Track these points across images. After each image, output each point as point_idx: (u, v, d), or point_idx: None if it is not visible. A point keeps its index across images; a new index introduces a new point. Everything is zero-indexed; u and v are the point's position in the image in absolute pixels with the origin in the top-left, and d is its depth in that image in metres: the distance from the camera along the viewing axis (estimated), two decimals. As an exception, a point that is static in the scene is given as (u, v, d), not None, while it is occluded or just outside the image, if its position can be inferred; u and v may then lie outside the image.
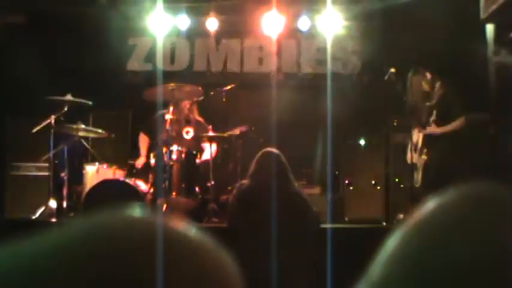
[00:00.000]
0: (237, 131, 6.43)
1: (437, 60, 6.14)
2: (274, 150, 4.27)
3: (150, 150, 6.33)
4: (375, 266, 0.58)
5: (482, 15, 6.10)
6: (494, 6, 5.85)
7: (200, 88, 6.19)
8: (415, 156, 5.83)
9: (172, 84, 5.85)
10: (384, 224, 6.50)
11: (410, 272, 0.55)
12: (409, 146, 5.90)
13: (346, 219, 6.61)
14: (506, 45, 6.60)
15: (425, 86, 5.82)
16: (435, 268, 0.54)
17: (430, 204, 0.60)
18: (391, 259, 0.57)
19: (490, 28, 6.47)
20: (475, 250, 0.54)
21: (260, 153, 4.27)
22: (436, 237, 0.56)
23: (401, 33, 7.24)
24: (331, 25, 7.30)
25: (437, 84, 5.73)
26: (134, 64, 8.09)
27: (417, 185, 5.79)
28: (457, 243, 0.55)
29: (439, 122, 5.75)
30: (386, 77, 5.69)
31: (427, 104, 5.83)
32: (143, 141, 6.56)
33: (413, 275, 0.55)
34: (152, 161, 5.93)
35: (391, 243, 0.59)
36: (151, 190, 5.82)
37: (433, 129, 5.75)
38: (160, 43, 7.76)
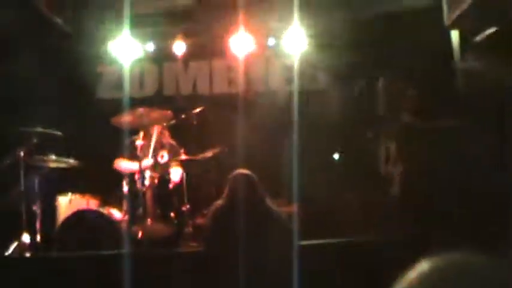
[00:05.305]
0: (209, 153, 6.38)
1: (405, 70, 6.18)
2: (245, 171, 4.26)
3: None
4: None
5: (446, 22, 6.17)
6: (457, 13, 5.93)
7: (170, 112, 6.14)
8: (390, 167, 5.83)
9: (140, 110, 5.79)
10: (361, 238, 6.49)
11: None
12: (383, 158, 5.90)
13: (323, 235, 6.58)
14: (472, 50, 6.69)
15: (397, 94, 5.81)
16: None
17: (410, 275, 0.60)
18: None
19: (454, 34, 6.56)
20: None
21: (232, 175, 4.25)
22: None
23: (367, 46, 7.29)
24: (298, 42, 7.31)
25: (409, 92, 5.73)
26: (103, 92, 8.01)
27: (393, 197, 5.78)
28: None
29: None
30: (356, 90, 5.71)
31: (399, 111, 5.81)
32: (122, 165, 6.27)
33: None
34: (125, 188, 5.84)
35: None
36: (126, 218, 5.74)
37: (408, 119, 5.68)
38: (127, 69, 7.72)
